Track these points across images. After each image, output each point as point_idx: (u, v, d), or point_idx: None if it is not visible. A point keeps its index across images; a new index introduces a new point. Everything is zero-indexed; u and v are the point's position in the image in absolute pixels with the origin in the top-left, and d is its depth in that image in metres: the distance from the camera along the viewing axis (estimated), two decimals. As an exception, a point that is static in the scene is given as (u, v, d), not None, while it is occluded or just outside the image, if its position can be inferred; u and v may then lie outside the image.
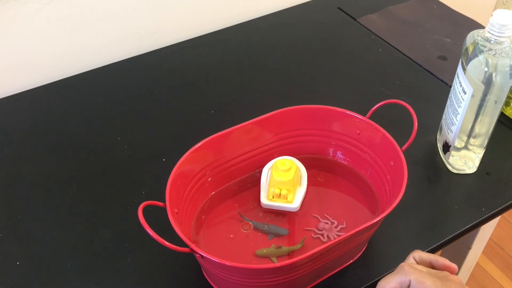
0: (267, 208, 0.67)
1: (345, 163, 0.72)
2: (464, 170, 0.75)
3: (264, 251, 0.62)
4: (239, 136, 0.66)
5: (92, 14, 0.91)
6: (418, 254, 0.52)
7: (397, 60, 0.96)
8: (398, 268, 0.49)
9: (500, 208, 0.71)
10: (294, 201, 0.66)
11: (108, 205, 0.71)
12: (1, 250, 0.65)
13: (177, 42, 1.01)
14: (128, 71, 0.94)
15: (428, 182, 0.74)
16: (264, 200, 0.67)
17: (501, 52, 0.62)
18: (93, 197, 0.72)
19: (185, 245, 0.53)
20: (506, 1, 1.53)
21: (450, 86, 0.80)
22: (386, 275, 0.50)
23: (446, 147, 0.74)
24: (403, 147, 0.63)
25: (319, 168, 0.71)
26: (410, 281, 0.47)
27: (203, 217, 0.66)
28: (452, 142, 0.72)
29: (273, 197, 0.67)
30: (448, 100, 0.73)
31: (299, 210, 0.67)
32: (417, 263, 0.52)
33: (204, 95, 0.89)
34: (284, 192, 0.66)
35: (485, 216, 0.70)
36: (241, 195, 0.69)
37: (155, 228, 0.51)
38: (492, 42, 0.63)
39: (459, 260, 1.02)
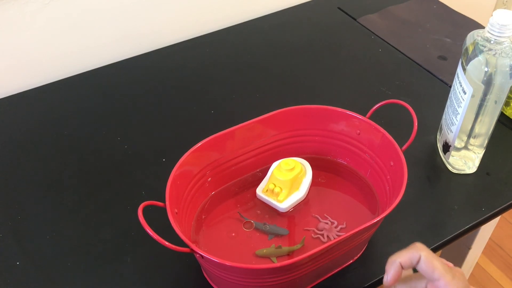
0: (260, 200, 0.68)
1: (345, 163, 0.72)
2: (464, 170, 0.75)
3: (264, 251, 0.62)
4: (239, 136, 0.66)
5: (92, 14, 0.91)
6: None
7: (397, 60, 0.96)
8: (411, 245, 0.50)
9: (500, 208, 0.71)
10: (284, 202, 0.66)
11: (108, 205, 0.71)
12: (1, 250, 0.65)
13: (177, 42, 1.01)
14: (128, 71, 0.94)
15: (428, 182, 0.74)
16: (259, 191, 0.68)
17: (501, 52, 0.62)
18: (93, 197, 0.72)
19: (185, 245, 0.53)
20: (506, 1, 1.53)
21: (450, 86, 0.80)
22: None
23: (446, 147, 0.74)
24: (403, 147, 0.63)
25: (319, 168, 0.71)
26: (420, 257, 0.48)
27: (203, 217, 0.66)
28: (452, 142, 0.72)
29: (267, 191, 0.67)
30: (448, 100, 0.73)
31: (290, 211, 0.67)
32: None
33: (204, 95, 0.89)
34: (277, 190, 0.66)
35: (485, 216, 0.70)
36: (241, 195, 0.69)
37: (155, 228, 0.51)
38: (492, 42, 0.63)
39: (459, 260, 1.02)
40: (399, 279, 0.49)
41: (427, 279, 0.48)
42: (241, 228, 0.65)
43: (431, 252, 0.48)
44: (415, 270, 0.51)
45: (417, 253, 0.47)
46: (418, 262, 0.48)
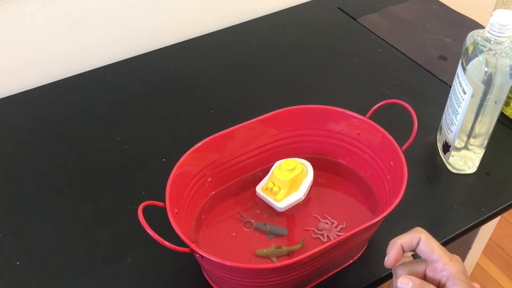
0: (260, 200, 0.68)
1: (345, 163, 0.72)
2: (464, 170, 0.75)
3: (264, 251, 0.62)
4: (239, 136, 0.66)
5: (92, 14, 0.91)
6: None
7: (397, 60, 0.96)
8: (412, 229, 0.51)
9: (500, 208, 0.71)
10: (281, 202, 0.66)
11: (108, 205, 0.71)
12: (1, 250, 0.65)
13: (177, 42, 1.01)
14: (128, 71, 0.94)
15: (428, 182, 0.74)
16: (259, 188, 0.68)
17: (501, 52, 0.62)
18: (93, 197, 0.72)
19: (185, 245, 0.53)
20: (506, 1, 1.54)
21: (450, 86, 0.80)
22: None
23: (446, 147, 0.74)
24: (403, 147, 0.63)
25: (319, 168, 0.71)
26: (420, 239, 0.49)
27: (203, 217, 0.66)
28: (452, 142, 0.72)
29: (266, 189, 0.67)
30: (448, 100, 0.73)
31: (290, 211, 0.67)
32: None
33: (204, 95, 0.89)
34: (275, 189, 0.66)
35: (485, 216, 0.70)
36: (241, 195, 0.69)
37: (155, 228, 0.51)
38: (492, 42, 0.63)
39: (459, 260, 1.02)
40: (399, 261, 0.50)
41: (426, 264, 0.49)
42: (241, 228, 0.65)
43: (430, 235, 0.49)
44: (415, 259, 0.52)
45: (417, 235, 0.49)
46: (418, 244, 0.49)
